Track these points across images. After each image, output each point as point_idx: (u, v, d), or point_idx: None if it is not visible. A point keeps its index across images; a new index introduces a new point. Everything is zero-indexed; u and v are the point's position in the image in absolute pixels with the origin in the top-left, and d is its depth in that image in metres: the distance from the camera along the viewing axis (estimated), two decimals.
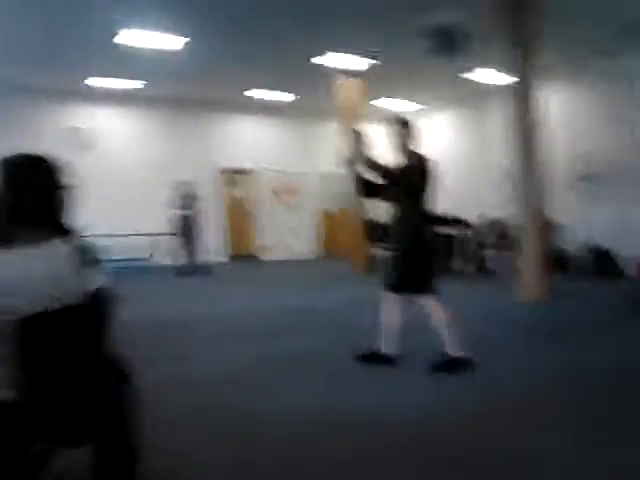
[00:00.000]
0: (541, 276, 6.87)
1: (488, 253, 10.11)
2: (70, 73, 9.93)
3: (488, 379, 3.76)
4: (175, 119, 12.32)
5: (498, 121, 10.26)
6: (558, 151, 9.47)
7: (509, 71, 7.08)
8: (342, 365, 4.10)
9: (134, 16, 7.30)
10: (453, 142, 13.11)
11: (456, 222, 10.87)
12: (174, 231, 10.51)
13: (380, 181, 3.97)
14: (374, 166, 3.89)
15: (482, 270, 9.85)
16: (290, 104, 12.74)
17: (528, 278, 6.87)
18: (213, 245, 11.76)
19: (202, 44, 8.53)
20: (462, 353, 3.88)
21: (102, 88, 10.92)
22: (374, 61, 9.47)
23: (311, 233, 13.87)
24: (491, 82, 10.74)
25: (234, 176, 13.18)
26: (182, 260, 10.37)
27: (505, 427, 2.95)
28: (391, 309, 4.01)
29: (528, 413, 3.15)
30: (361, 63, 9.60)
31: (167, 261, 10.71)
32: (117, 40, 8.09)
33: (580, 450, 2.60)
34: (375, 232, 9.99)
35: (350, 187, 4.37)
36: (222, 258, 12.44)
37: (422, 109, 13.20)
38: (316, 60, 9.51)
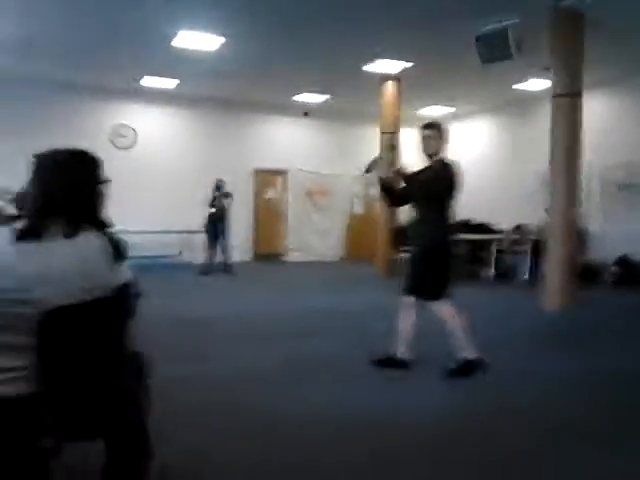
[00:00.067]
0: (569, 285, 6.80)
1: (516, 260, 10.02)
2: (120, 72, 10.11)
3: (503, 383, 3.77)
4: (215, 119, 12.42)
5: (536, 128, 10.20)
6: (599, 159, 9.38)
7: (553, 79, 7.01)
8: (359, 368, 4.12)
9: (184, 17, 7.43)
10: (488, 148, 12.96)
11: (479, 228, 10.80)
12: (204, 229, 10.60)
13: (403, 186, 4.01)
14: (402, 176, 3.94)
15: (509, 276, 9.77)
16: (327, 106, 12.72)
17: (555, 286, 6.80)
18: (239, 244, 11.84)
19: (245, 46, 8.56)
20: (476, 355, 3.91)
21: (147, 87, 11.10)
22: (410, 64, 9.36)
23: (338, 235, 13.88)
24: (531, 89, 10.61)
25: (268, 176, 13.26)
26: (206, 258, 10.43)
27: (520, 429, 2.97)
28: (408, 314, 4.03)
29: (543, 416, 3.16)
30: (400, 67, 9.56)
31: (197, 259, 10.83)
32: (172, 42, 8.25)
33: (602, 457, 2.59)
34: (401, 238, 9.97)
35: (377, 191, 4.40)
36: (246, 257, 12.52)
37: (457, 114, 13.08)
38: (368, 68, 9.55)
